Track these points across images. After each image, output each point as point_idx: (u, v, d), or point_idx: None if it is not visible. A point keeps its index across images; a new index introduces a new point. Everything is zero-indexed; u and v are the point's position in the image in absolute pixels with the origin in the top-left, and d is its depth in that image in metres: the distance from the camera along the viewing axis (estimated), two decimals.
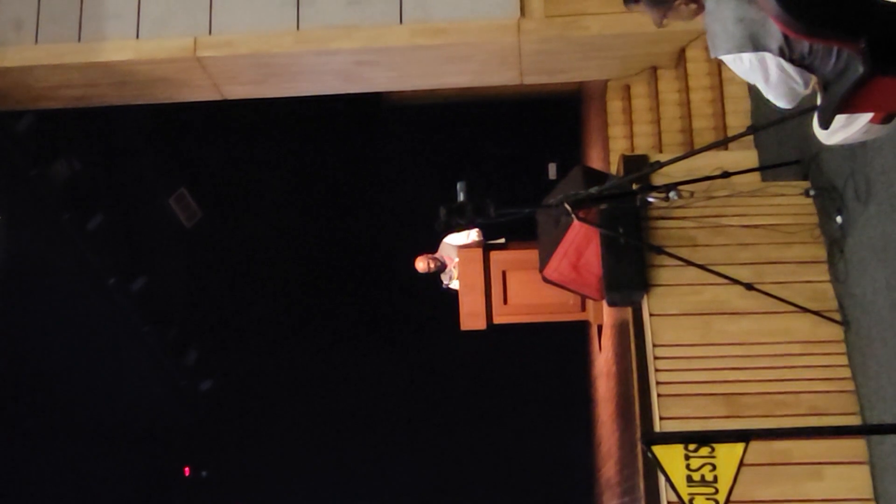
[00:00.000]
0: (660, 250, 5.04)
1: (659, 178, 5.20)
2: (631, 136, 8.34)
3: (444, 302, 8.17)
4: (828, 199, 5.17)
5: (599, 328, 8.17)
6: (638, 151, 7.80)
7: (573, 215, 4.52)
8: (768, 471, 4.65)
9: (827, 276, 5.17)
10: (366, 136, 13.83)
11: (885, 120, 2.93)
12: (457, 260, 7.80)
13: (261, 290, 13.88)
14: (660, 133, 7.98)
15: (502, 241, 7.83)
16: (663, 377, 5.01)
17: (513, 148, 13.11)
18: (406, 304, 12.80)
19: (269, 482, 13.84)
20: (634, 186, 5.08)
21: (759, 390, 4.92)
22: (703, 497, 3.17)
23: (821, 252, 5.24)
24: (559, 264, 5.79)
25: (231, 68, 7.95)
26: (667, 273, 5.24)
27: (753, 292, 4.93)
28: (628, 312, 5.61)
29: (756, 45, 2.81)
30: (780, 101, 2.99)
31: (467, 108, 12.79)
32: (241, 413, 13.97)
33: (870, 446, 4.68)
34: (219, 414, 14.21)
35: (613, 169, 6.70)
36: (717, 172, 5.13)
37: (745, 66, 2.89)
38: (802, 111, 3.56)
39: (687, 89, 7.74)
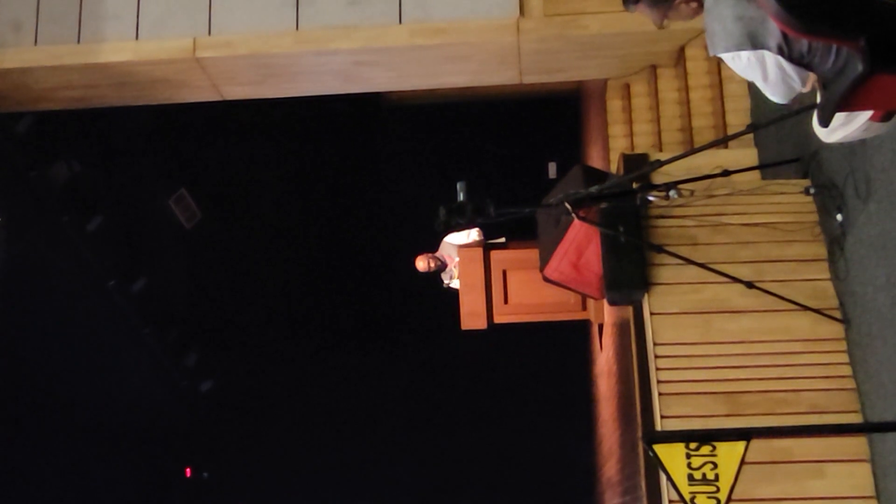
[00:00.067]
0: (660, 249, 5.04)
1: (659, 177, 5.20)
2: (631, 135, 8.34)
3: (444, 301, 8.18)
4: (828, 196, 5.17)
5: (600, 327, 8.17)
6: (638, 150, 7.80)
7: (573, 214, 4.51)
8: (769, 469, 4.65)
9: (827, 274, 5.17)
10: (365, 136, 13.83)
11: (885, 118, 2.93)
12: (457, 259, 7.80)
13: (261, 290, 13.88)
14: (659, 132, 7.98)
15: (502, 240, 7.84)
16: (664, 376, 5.01)
17: (512, 147, 13.11)
18: (406, 304, 12.82)
19: (270, 483, 13.84)
20: (634, 185, 5.08)
21: (759, 388, 4.91)
22: (704, 495, 3.17)
23: (821, 250, 5.23)
24: (559, 263, 5.78)
25: (230, 69, 7.95)
26: (667, 272, 5.24)
27: (754, 291, 4.93)
28: (629, 311, 5.61)
29: (755, 43, 2.82)
30: (777, 98, 3.00)
31: (467, 108, 12.79)
32: (241, 414, 13.98)
33: (871, 444, 4.68)
34: (219, 415, 14.21)
35: (613, 168, 6.70)
36: (717, 171, 5.13)
37: (743, 63, 2.90)
38: (802, 109, 3.56)
39: (686, 88, 7.74)
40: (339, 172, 13.72)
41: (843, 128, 3.06)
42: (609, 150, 8.51)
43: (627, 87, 8.44)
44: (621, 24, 7.30)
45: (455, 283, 7.98)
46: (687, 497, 3.18)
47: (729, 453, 3.16)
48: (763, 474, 4.62)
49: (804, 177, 5.56)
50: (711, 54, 2.99)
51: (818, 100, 2.96)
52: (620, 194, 4.92)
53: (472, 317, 7.50)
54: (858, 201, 4.79)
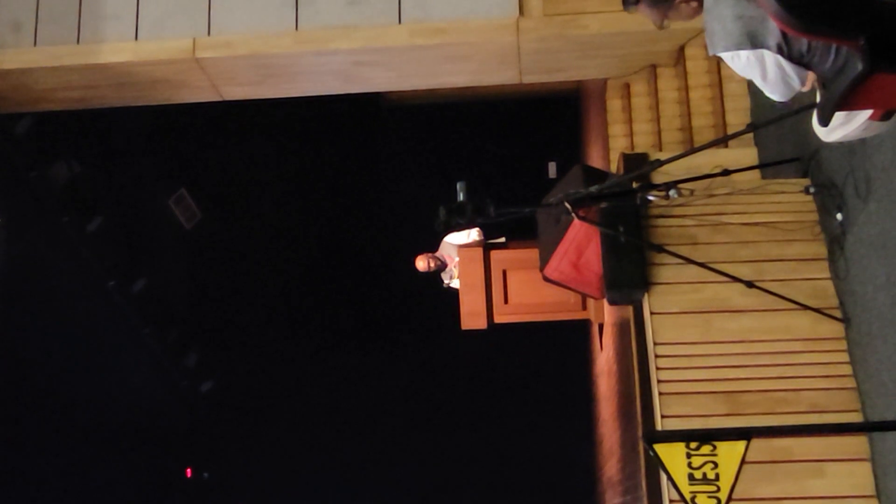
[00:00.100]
0: (660, 249, 5.04)
1: (659, 177, 5.20)
2: (631, 135, 8.34)
3: (444, 301, 8.18)
4: (828, 196, 5.17)
5: (600, 327, 8.17)
6: (638, 150, 7.79)
7: (573, 214, 4.52)
8: (770, 468, 4.65)
9: (827, 274, 5.17)
10: (365, 137, 13.83)
11: (885, 117, 2.93)
12: (457, 259, 7.80)
13: (261, 290, 13.89)
14: (659, 131, 7.98)
15: (502, 240, 7.84)
16: (664, 375, 5.01)
17: (512, 147, 13.12)
18: (406, 304, 12.82)
19: (270, 483, 13.84)
20: (634, 185, 5.08)
21: (760, 388, 4.91)
22: (704, 495, 3.17)
23: (821, 249, 5.24)
24: (559, 263, 5.78)
25: (230, 69, 7.95)
26: (667, 271, 5.24)
27: (754, 290, 4.93)
28: (629, 311, 5.61)
29: (754, 42, 2.82)
30: (777, 96, 3.00)
31: (467, 108, 12.80)
32: (241, 414, 13.98)
33: (871, 443, 4.68)
34: (220, 415, 14.22)
35: (613, 167, 6.70)
36: (717, 170, 5.12)
37: (742, 62, 2.90)
38: (802, 108, 3.57)
39: (686, 87, 7.74)
40: (339, 172, 13.72)
41: (843, 127, 3.06)
42: (609, 149, 8.52)
43: (627, 86, 8.44)
44: (621, 24, 7.30)
45: (455, 283, 7.98)
46: (687, 496, 3.18)
47: (729, 453, 3.16)
48: (763, 474, 4.62)
49: (804, 176, 5.56)
50: (711, 54, 2.99)
51: (818, 99, 2.96)
52: (620, 194, 4.92)
53: (472, 317, 7.50)
54: (858, 200, 4.79)
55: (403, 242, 9.55)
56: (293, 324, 13.94)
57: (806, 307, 4.99)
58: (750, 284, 4.92)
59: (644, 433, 5.03)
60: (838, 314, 5.02)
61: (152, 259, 12.79)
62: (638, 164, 5.49)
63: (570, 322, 8.24)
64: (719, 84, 7.42)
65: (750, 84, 6.82)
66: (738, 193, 5.37)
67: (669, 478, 3.20)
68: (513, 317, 7.57)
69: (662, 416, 4.90)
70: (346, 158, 13.74)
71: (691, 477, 3.17)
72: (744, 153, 6.16)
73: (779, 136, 6.05)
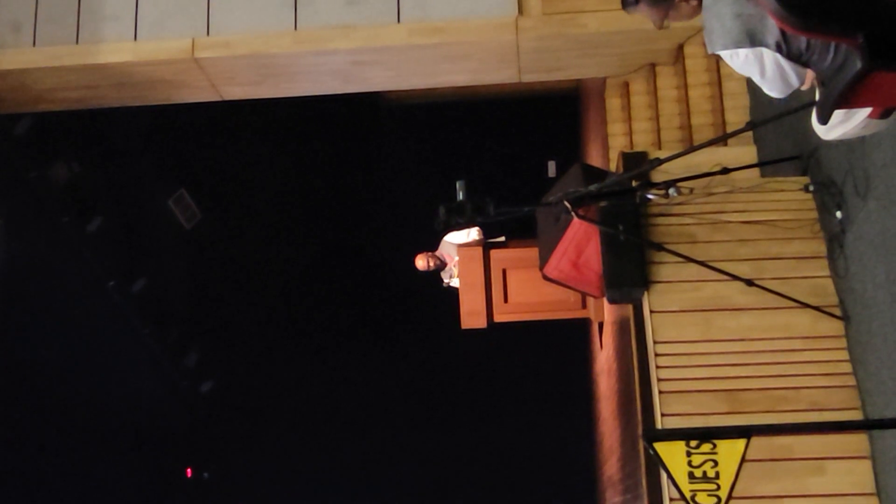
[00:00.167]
0: (660, 247, 5.04)
1: (658, 175, 5.19)
2: (630, 134, 8.35)
3: (444, 301, 8.18)
4: (827, 194, 5.17)
5: (600, 325, 8.17)
6: (637, 148, 7.80)
7: (573, 213, 4.51)
8: (770, 466, 4.65)
9: (827, 272, 5.17)
10: (365, 136, 13.84)
11: (884, 115, 2.94)
12: (457, 258, 7.80)
13: (261, 290, 13.89)
14: (659, 130, 7.98)
15: (502, 239, 7.84)
16: (664, 374, 5.01)
17: (512, 146, 13.12)
18: (406, 304, 12.82)
19: (270, 483, 13.85)
20: (634, 183, 5.08)
21: (760, 386, 4.91)
22: (705, 493, 3.17)
23: (821, 247, 5.24)
24: (559, 262, 5.79)
25: (229, 69, 7.95)
26: (667, 270, 5.24)
27: (754, 288, 4.93)
28: (629, 309, 5.61)
29: (753, 40, 2.82)
30: (775, 94, 3.00)
31: (466, 107, 12.80)
32: (242, 414, 13.99)
33: (871, 441, 4.68)
34: (220, 415, 14.22)
35: (613, 166, 6.70)
36: (717, 169, 5.12)
37: (740, 60, 2.90)
38: (801, 107, 3.57)
39: (685, 86, 7.74)
40: (339, 172, 13.73)
41: (842, 125, 3.06)
42: (608, 148, 8.52)
43: (626, 85, 8.44)
44: (620, 23, 7.30)
45: (455, 282, 7.98)
46: (687, 495, 3.19)
47: (729, 451, 3.16)
48: (764, 472, 4.62)
49: (803, 174, 5.56)
50: (709, 52, 2.99)
51: (817, 97, 2.96)
52: (620, 192, 4.92)
53: (472, 316, 7.50)
54: (858, 198, 4.79)
55: (403, 242, 9.55)
56: (293, 324, 13.94)
57: (806, 305, 4.99)
58: (750, 283, 4.93)
59: (644, 431, 5.03)
60: (838, 312, 5.02)
61: (152, 259, 12.79)
62: (637, 162, 5.49)
63: (569, 321, 8.23)
64: (718, 82, 7.42)
65: (749, 82, 6.82)
66: (738, 192, 5.37)
67: (669, 476, 3.20)
68: (513, 316, 7.56)
69: (662, 415, 4.91)
70: (346, 158, 13.74)
71: (691, 475, 3.17)
72: (743, 151, 6.17)
73: (778, 134, 6.05)
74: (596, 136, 9.78)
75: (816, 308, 5.00)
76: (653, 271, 5.25)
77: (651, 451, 3.24)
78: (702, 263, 4.96)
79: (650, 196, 4.95)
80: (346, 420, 13.35)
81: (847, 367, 4.91)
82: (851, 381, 4.88)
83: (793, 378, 4.91)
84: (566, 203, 4.45)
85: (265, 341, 13.85)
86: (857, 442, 4.70)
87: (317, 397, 13.32)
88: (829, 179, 5.17)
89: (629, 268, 5.24)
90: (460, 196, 4.20)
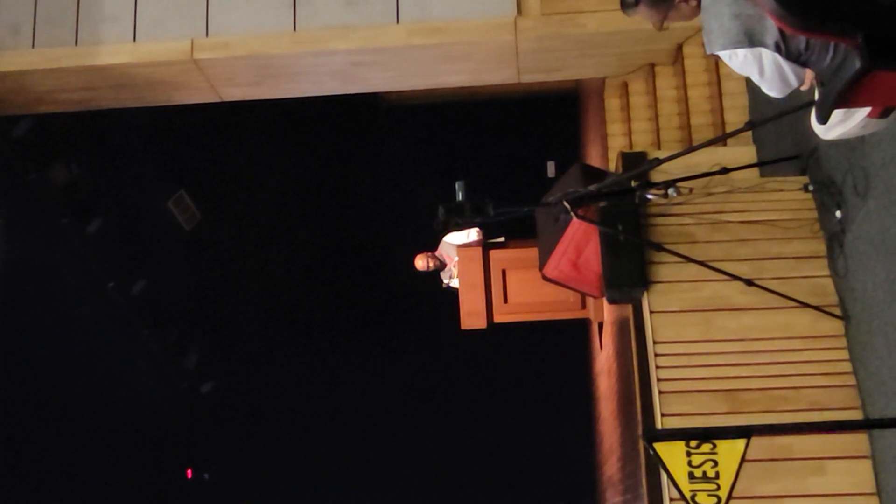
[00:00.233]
0: (659, 247, 5.04)
1: (658, 175, 5.20)
2: (629, 134, 8.35)
3: (444, 301, 8.18)
4: (827, 193, 5.17)
5: (600, 326, 8.17)
6: (636, 148, 7.80)
7: (572, 213, 4.51)
8: (770, 466, 4.65)
9: (827, 271, 5.17)
10: (364, 137, 13.84)
11: (883, 114, 2.93)
12: (456, 259, 7.80)
13: (261, 290, 13.89)
14: (658, 130, 7.98)
15: (502, 239, 7.84)
16: (664, 374, 5.01)
17: (511, 146, 13.12)
18: (406, 304, 12.82)
19: (270, 483, 13.85)
20: (633, 183, 5.08)
21: (760, 386, 4.91)
22: (705, 493, 3.17)
23: (820, 247, 5.24)
24: (559, 262, 5.78)
25: (228, 70, 7.95)
26: (666, 270, 5.24)
27: (753, 288, 4.93)
28: (628, 310, 5.61)
29: (752, 40, 2.82)
30: (774, 93, 3.00)
31: (465, 107, 12.80)
32: (242, 414, 13.98)
33: (871, 440, 4.68)
34: (220, 416, 14.22)
35: (612, 166, 6.70)
36: (716, 168, 5.13)
37: (739, 60, 2.90)
38: (801, 106, 3.57)
39: (685, 86, 7.74)
40: (338, 173, 13.73)
41: (842, 124, 3.06)
42: (608, 148, 8.52)
43: (626, 85, 8.44)
44: (619, 23, 7.30)
45: (455, 283, 7.98)
46: (687, 495, 3.18)
47: (729, 451, 3.16)
48: (764, 471, 4.62)
49: (803, 174, 5.56)
50: (708, 52, 2.99)
51: (816, 97, 2.96)
52: (619, 193, 4.92)
53: (471, 316, 7.50)
54: (857, 198, 4.79)
55: (403, 242, 9.56)
56: (293, 324, 13.95)
57: (805, 305, 4.99)
58: (749, 282, 4.93)
59: (644, 432, 5.03)
60: (838, 312, 5.02)
61: (152, 260, 12.79)
62: (637, 162, 5.48)
63: (569, 321, 8.23)
64: (718, 82, 7.42)
65: (748, 82, 6.82)
66: (737, 191, 5.38)
67: (669, 476, 3.20)
68: (512, 316, 7.56)
69: (662, 415, 4.91)
70: (345, 159, 13.75)
71: (691, 475, 3.17)
72: (742, 151, 6.17)
73: (777, 133, 6.05)
74: (595, 137, 9.78)
75: (816, 308, 5.00)
76: (652, 271, 5.25)
77: (651, 451, 3.24)
78: (701, 263, 4.96)
79: (650, 196, 4.95)
80: (346, 420, 13.35)
81: (847, 367, 4.91)
82: (851, 380, 4.88)
83: (793, 378, 4.91)
84: (565, 203, 4.45)
85: (265, 341, 13.85)
86: (858, 442, 4.70)
87: (317, 397, 13.32)
88: (828, 179, 5.17)
89: (629, 268, 5.24)
90: (460, 196, 4.20)
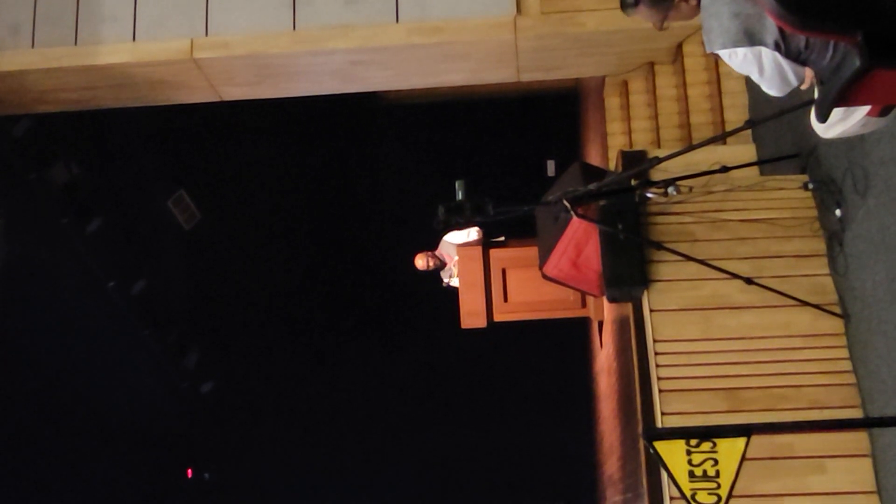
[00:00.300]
0: (659, 246, 5.04)
1: (657, 174, 5.20)
2: (629, 132, 8.34)
3: (444, 300, 8.17)
4: (826, 192, 5.17)
5: (600, 324, 8.16)
6: (636, 147, 7.80)
7: (572, 212, 4.51)
8: (770, 465, 4.65)
9: (827, 270, 5.17)
10: (364, 136, 13.83)
11: (883, 112, 2.93)
12: (456, 258, 7.80)
13: (261, 290, 13.89)
14: (658, 129, 7.98)
15: (502, 238, 7.83)
16: (664, 373, 5.01)
17: (511, 145, 13.12)
18: (406, 303, 12.82)
19: (270, 483, 13.85)
20: (633, 182, 5.08)
21: (760, 384, 4.92)
22: (705, 492, 3.17)
23: (820, 245, 5.24)
24: (559, 261, 5.78)
25: (228, 69, 7.94)
26: (666, 268, 5.24)
27: (753, 287, 4.93)
28: (628, 308, 5.61)
29: (752, 39, 2.82)
30: (774, 92, 3.00)
31: (465, 107, 12.79)
32: (242, 414, 13.99)
33: (871, 439, 4.68)
34: (220, 416, 14.22)
35: (612, 165, 6.70)
36: (716, 167, 5.13)
37: (739, 59, 2.90)
38: (800, 105, 3.57)
39: (684, 85, 7.74)
40: (338, 172, 13.73)
41: (841, 123, 3.06)
42: (607, 147, 8.52)
43: (625, 84, 8.44)
44: (618, 22, 7.29)
45: (455, 282, 7.97)
46: (688, 494, 3.18)
47: (729, 450, 3.16)
48: (764, 470, 4.62)
49: (802, 172, 5.56)
50: (708, 51, 2.99)
51: (816, 95, 2.96)
52: (619, 191, 4.92)
53: (471, 315, 7.50)
54: (857, 196, 4.79)
55: (403, 242, 9.55)
56: (293, 324, 13.95)
57: (805, 303, 4.99)
58: (749, 281, 4.93)
59: (644, 430, 5.03)
60: (838, 310, 5.02)
61: (152, 260, 12.79)
62: (636, 161, 5.49)
63: (569, 320, 8.23)
64: (717, 81, 7.42)
65: (748, 80, 6.82)
66: (737, 190, 5.38)
67: (670, 475, 3.20)
68: (512, 315, 7.56)
69: (662, 414, 4.91)
70: (345, 158, 13.75)
71: (692, 474, 3.17)
72: (742, 150, 6.16)
73: (777, 132, 6.05)
74: (595, 135, 9.78)
75: (816, 306, 5.00)
76: (652, 270, 5.25)
77: (651, 450, 3.24)
78: (701, 262, 4.96)
79: (649, 195, 4.95)
80: (346, 420, 13.35)
81: (847, 365, 4.92)
82: (851, 378, 4.88)
83: (793, 376, 4.91)
84: (565, 202, 4.45)
85: (265, 341, 13.85)
86: (858, 440, 4.71)
87: (317, 397, 13.32)
88: (828, 177, 5.17)
89: (629, 266, 5.24)
90: (459, 195, 4.19)
